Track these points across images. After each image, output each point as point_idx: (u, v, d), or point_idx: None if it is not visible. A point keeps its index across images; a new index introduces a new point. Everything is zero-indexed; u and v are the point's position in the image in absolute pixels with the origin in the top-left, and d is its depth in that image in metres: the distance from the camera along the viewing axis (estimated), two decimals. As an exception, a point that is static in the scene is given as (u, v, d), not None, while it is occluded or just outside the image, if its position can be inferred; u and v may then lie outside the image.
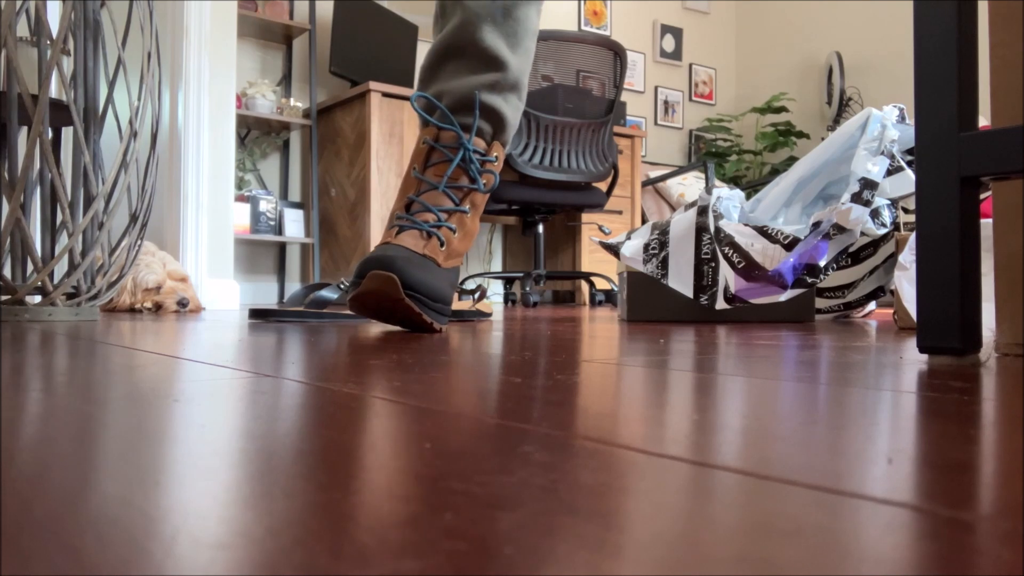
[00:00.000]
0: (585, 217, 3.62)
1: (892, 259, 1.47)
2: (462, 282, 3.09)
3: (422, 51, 3.82)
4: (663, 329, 1.10)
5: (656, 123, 4.80)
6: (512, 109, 1.11)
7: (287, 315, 1.29)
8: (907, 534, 0.17)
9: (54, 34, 1.33)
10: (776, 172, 4.36)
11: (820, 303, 1.56)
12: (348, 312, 1.29)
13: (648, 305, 1.42)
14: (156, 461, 0.24)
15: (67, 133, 1.92)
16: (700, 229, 1.39)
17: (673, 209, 4.12)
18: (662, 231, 1.43)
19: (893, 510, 0.18)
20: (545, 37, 2.86)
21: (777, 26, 4.94)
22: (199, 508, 0.18)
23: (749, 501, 0.19)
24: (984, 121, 2.97)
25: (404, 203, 1.05)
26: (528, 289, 2.99)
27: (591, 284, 3.34)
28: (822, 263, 1.33)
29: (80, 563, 0.15)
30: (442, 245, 1.01)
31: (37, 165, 1.38)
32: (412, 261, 0.93)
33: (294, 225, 3.28)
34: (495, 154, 1.10)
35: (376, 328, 1.07)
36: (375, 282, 0.90)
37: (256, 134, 3.41)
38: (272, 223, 3.21)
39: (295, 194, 3.53)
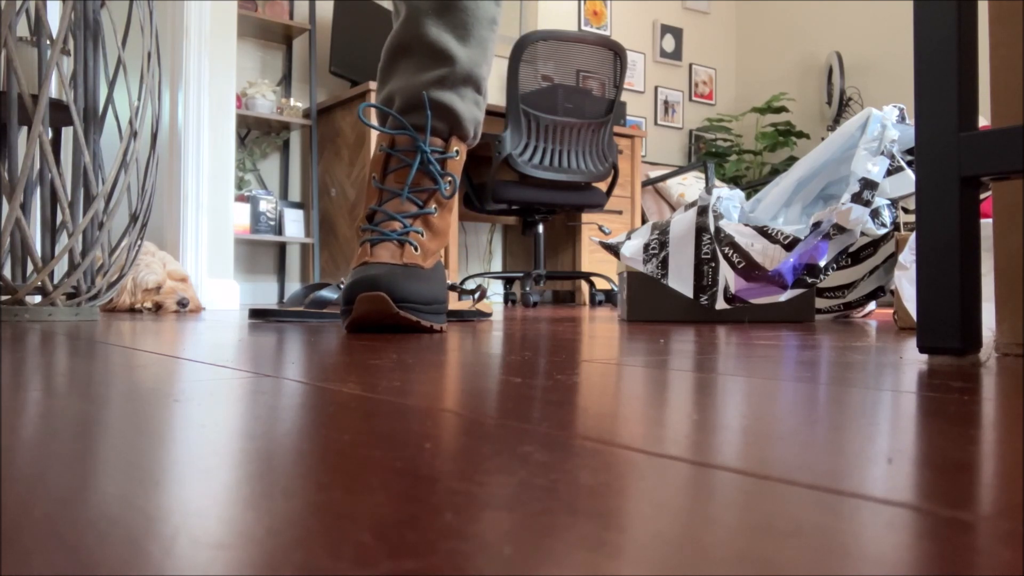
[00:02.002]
0: (585, 217, 3.62)
1: (892, 259, 1.47)
2: (462, 282, 3.08)
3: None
4: (663, 329, 1.10)
5: (656, 123, 4.80)
6: (467, 103, 1.08)
7: (287, 315, 1.29)
8: (907, 534, 0.17)
9: (54, 34, 1.33)
10: (776, 172, 4.36)
11: (820, 303, 1.56)
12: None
13: (648, 305, 1.42)
14: (156, 461, 0.24)
15: (67, 133, 1.92)
16: (700, 229, 1.39)
17: (673, 209, 4.12)
18: (662, 231, 1.43)
19: (893, 510, 0.18)
20: (545, 37, 2.86)
21: (777, 26, 4.94)
22: (199, 508, 0.18)
23: (749, 501, 0.19)
24: (984, 121, 2.97)
25: (367, 214, 1.04)
26: (528, 289, 2.99)
27: (591, 284, 3.34)
28: (822, 263, 1.33)
29: (80, 563, 0.15)
30: (416, 250, 1.00)
31: (37, 165, 1.38)
32: (396, 274, 0.92)
33: (294, 225, 3.28)
34: (455, 149, 1.07)
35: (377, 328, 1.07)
36: (366, 304, 0.90)
37: (256, 134, 3.41)
38: (272, 223, 3.21)
39: (295, 194, 3.53)
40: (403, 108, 1.06)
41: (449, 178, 1.05)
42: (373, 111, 2.57)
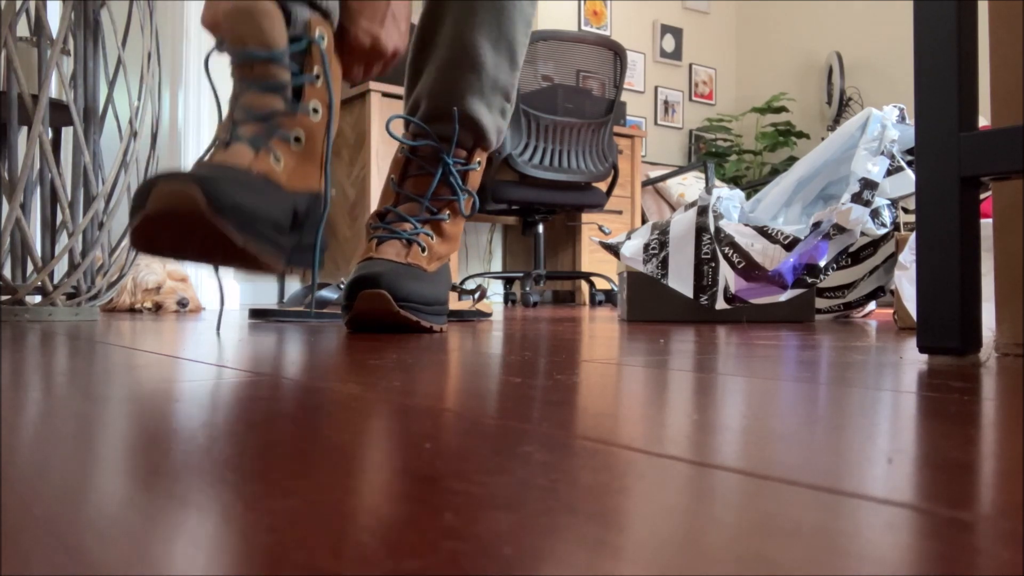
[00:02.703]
0: (585, 217, 3.62)
1: (892, 259, 1.47)
2: (462, 282, 3.08)
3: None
4: (663, 329, 1.10)
5: (656, 123, 4.80)
6: (494, 113, 1.05)
7: (287, 315, 1.29)
8: (907, 534, 0.17)
9: (54, 34, 1.33)
10: (776, 172, 4.36)
11: (820, 303, 1.56)
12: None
13: (648, 305, 1.42)
14: (156, 461, 0.24)
15: (67, 133, 1.92)
16: (700, 229, 1.39)
17: (673, 209, 4.12)
18: (662, 231, 1.43)
19: (893, 510, 0.18)
20: (545, 37, 2.86)
21: (777, 26, 4.94)
22: (199, 508, 0.18)
23: (749, 501, 0.19)
24: (984, 121, 2.97)
25: (379, 211, 1.03)
26: (528, 289, 2.99)
27: (591, 284, 3.34)
28: (822, 263, 1.33)
29: (80, 563, 0.15)
30: (423, 251, 0.99)
31: (37, 165, 1.38)
32: (399, 272, 0.92)
33: (294, 225, 3.28)
34: (477, 160, 1.05)
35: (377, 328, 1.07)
36: (367, 302, 0.90)
37: (256, 134, 3.41)
38: (272, 223, 3.20)
39: (295, 194, 3.52)
40: (428, 115, 1.04)
41: (471, 196, 1.04)
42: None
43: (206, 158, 0.82)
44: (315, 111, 0.87)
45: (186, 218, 0.71)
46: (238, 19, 0.83)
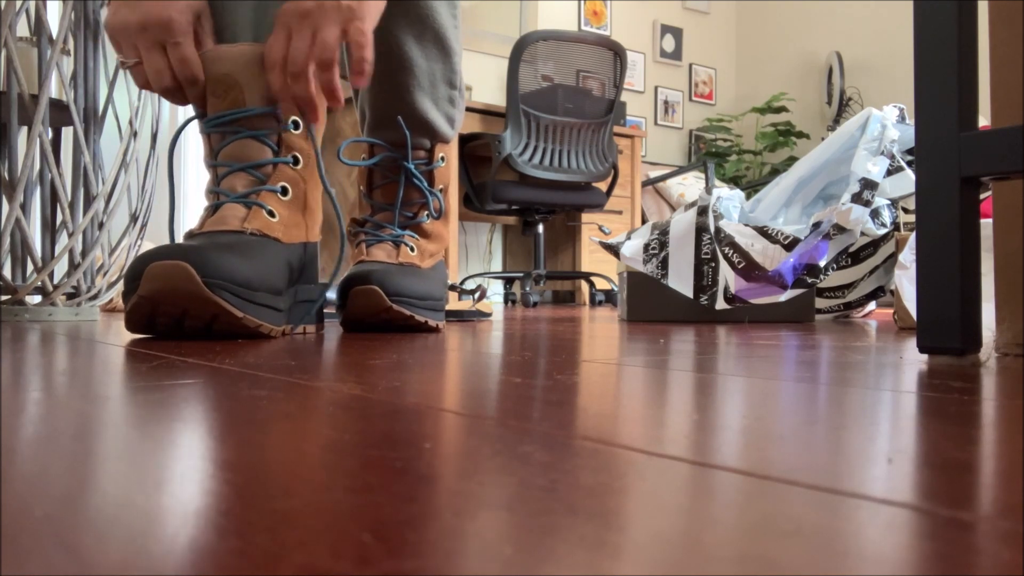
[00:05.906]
0: (585, 217, 3.62)
1: (892, 259, 1.47)
2: (462, 282, 3.08)
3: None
4: (663, 329, 1.10)
5: (656, 123, 4.80)
6: (442, 105, 1.02)
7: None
8: (907, 534, 0.17)
9: (54, 34, 1.33)
10: (776, 172, 4.36)
11: (820, 303, 1.56)
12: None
13: (648, 305, 1.42)
14: (156, 461, 0.24)
15: (67, 133, 1.92)
16: (700, 229, 1.39)
17: (673, 209, 4.12)
18: (662, 231, 1.43)
19: (893, 510, 0.18)
20: (545, 37, 2.86)
21: (777, 26, 4.94)
22: (199, 508, 0.18)
23: (749, 501, 0.19)
24: (984, 121, 2.97)
25: (358, 219, 1.03)
26: (528, 289, 2.99)
27: (591, 284, 3.34)
28: (822, 263, 1.33)
29: (80, 563, 0.15)
30: (412, 250, 0.99)
31: (37, 165, 1.38)
32: (390, 271, 0.92)
33: (294, 225, 3.28)
34: (440, 156, 1.04)
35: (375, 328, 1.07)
36: (360, 299, 0.90)
37: (256, 134, 3.41)
38: (272, 223, 3.20)
39: (295, 194, 3.52)
40: (375, 124, 1.02)
41: (436, 199, 1.03)
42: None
43: (196, 228, 0.82)
44: (296, 161, 0.86)
45: (181, 297, 0.70)
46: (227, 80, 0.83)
